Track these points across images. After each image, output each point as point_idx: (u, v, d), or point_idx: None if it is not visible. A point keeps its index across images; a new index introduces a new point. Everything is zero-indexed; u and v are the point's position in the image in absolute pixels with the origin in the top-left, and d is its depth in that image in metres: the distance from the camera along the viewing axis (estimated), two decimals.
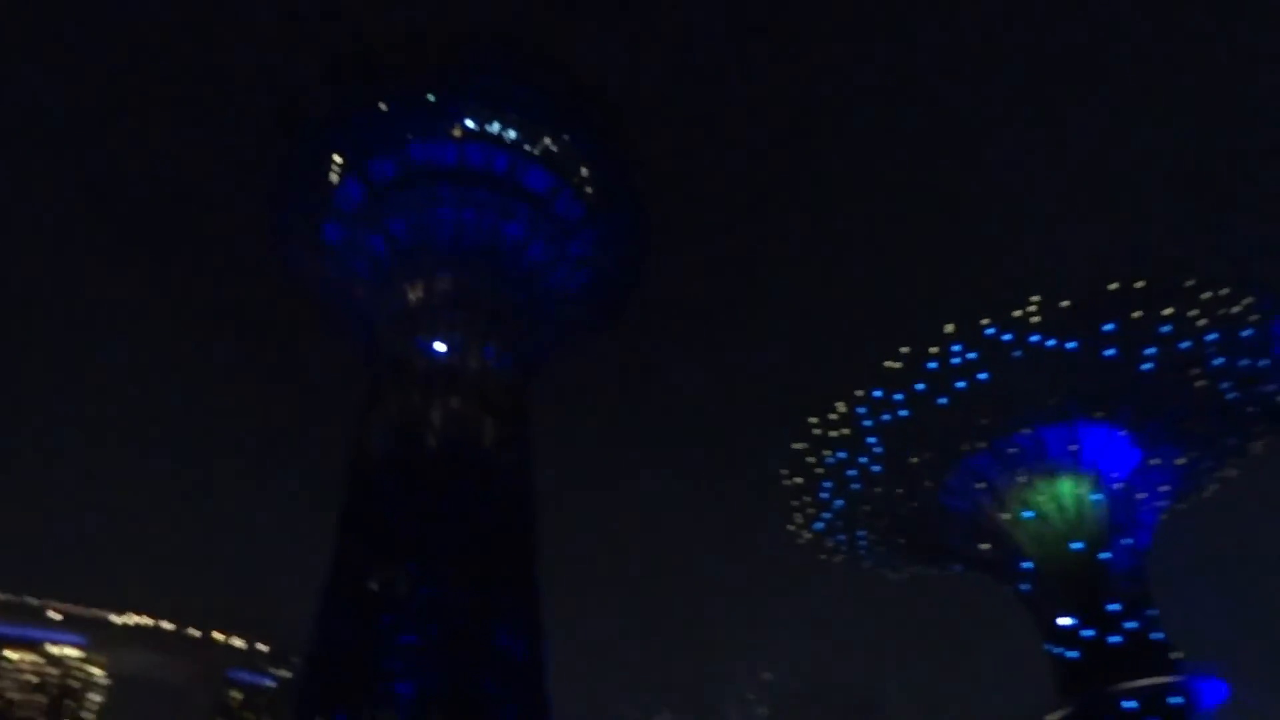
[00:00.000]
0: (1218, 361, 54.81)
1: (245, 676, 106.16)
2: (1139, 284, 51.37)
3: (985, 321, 53.63)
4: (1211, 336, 53.57)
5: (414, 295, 44.49)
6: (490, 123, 46.11)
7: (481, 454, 39.08)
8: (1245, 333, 53.34)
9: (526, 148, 46.62)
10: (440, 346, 41.18)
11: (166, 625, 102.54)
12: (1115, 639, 55.71)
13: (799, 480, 64.07)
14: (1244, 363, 54.55)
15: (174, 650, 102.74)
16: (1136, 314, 52.35)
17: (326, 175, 46.09)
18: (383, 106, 45.49)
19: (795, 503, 66.31)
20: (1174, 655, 55.72)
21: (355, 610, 35.01)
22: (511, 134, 46.22)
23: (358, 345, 49.24)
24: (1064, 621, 57.82)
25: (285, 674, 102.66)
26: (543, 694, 36.55)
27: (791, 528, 68.74)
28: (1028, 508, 59.15)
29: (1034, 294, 52.75)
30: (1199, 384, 55.68)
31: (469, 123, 45.79)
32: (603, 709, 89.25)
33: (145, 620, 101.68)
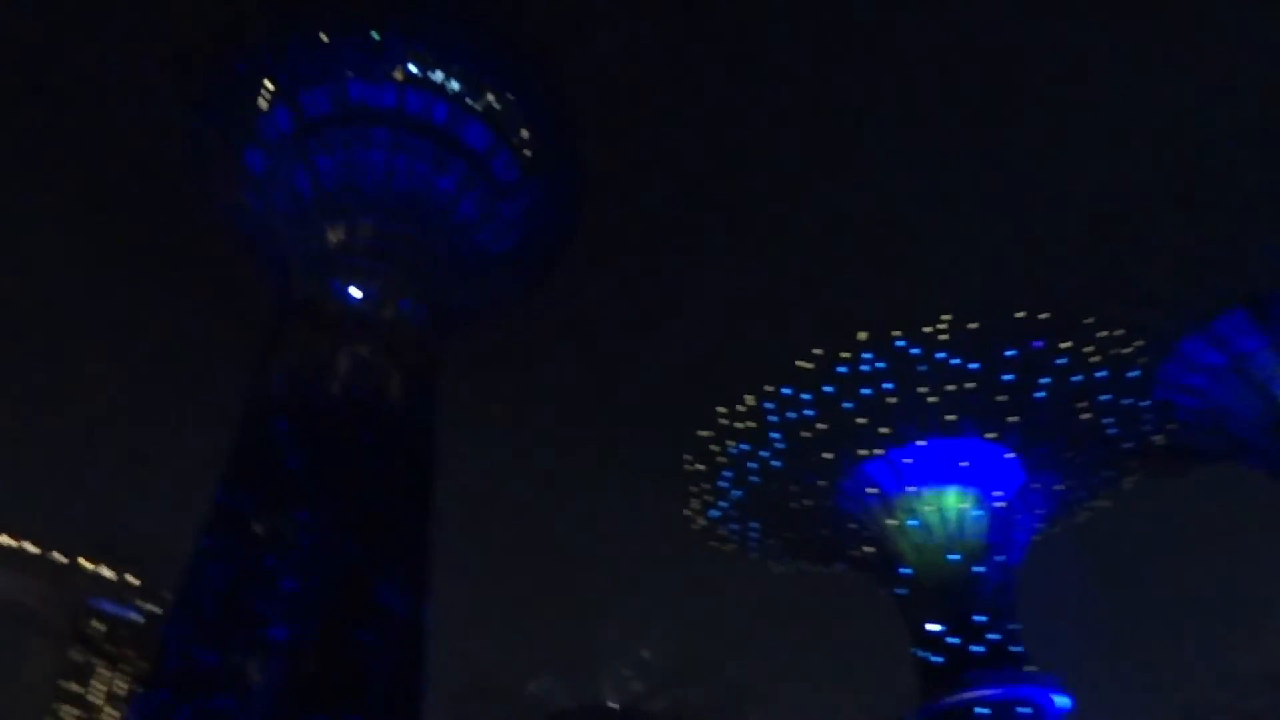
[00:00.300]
0: (1104, 398, 57.83)
1: (111, 608, 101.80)
2: (1043, 316, 53.63)
3: (897, 334, 55.26)
4: (1101, 374, 56.42)
5: (334, 238, 43.19)
6: (435, 70, 44.96)
7: (386, 408, 38.32)
8: (1132, 374, 56.32)
9: (469, 101, 45.64)
10: (355, 293, 40.09)
11: (30, 547, 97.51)
12: (978, 648, 58.55)
13: (700, 467, 65.06)
14: (1127, 402, 57.63)
15: (36, 573, 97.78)
16: (1037, 344, 54.73)
17: (255, 99, 44.27)
18: (323, 37, 43.88)
19: (694, 488, 67.34)
20: (1028, 668, 58.97)
21: (235, 551, 34.03)
22: (455, 85, 45.16)
23: (269, 282, 47.63)
24: (933, 627, 60.47)
25: (155, 610, 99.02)
26: (420, 652, 36.28)
27: (688, 512, 69.84)
28: (913, 517, 61.54)
29: (945, 314, 54.56)
30: (1084, 417, 58.74)
31: (412, 67, 44.54)
32: (482, 672, 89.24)
33: (7, 540, 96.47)
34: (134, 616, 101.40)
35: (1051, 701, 58.37)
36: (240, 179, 45.99)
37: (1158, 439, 60.08)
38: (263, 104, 44.17)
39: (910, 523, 61.69)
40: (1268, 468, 54.15)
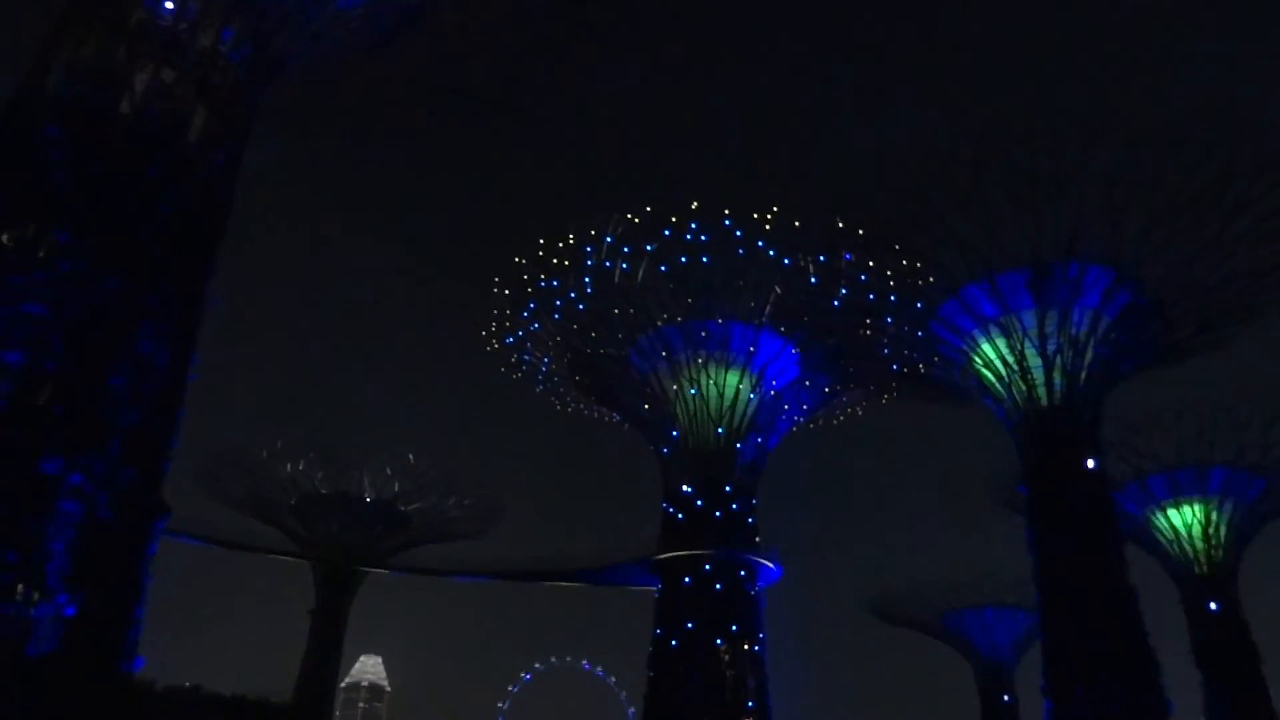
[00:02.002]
0: (888, 320, 62.57)
1: None
2: (860, 232, 56.42)
3: (727, 211, 56.42)
4: (893, 299, 60.71)
5: None
6: None
7: (183, 145, 34.61)
8: (918, 305, 61.00)
9: None
10: (169, 4, 35.17)
11: None
12: (718, 514, 63.98)
13: (507, 292, 64.84)
14: (906, 329, 62.65)
15: None
16: (846, 256, 57.80)
17: None
18: None
19: (496, 312, 67.26)
20: (756, 539, 65.39)
21: None
22: None
23: None
24: (686, 489, 65.23)
25: None
26: (175, 408, 34.50)
27: (484, 333, 69.95)
28: (694, 386, 65.01)
29: (775, 205, 56.14)
30: (866, 333, 63.51)
31: None
32: (240, 443, 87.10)
33: None
34: None
35: (767, 569, 65.37)
36: None
37: (922, 368, 66.15)
38: None
39: (691, 391, 65.11)
40: (1003, 415, 61.21)
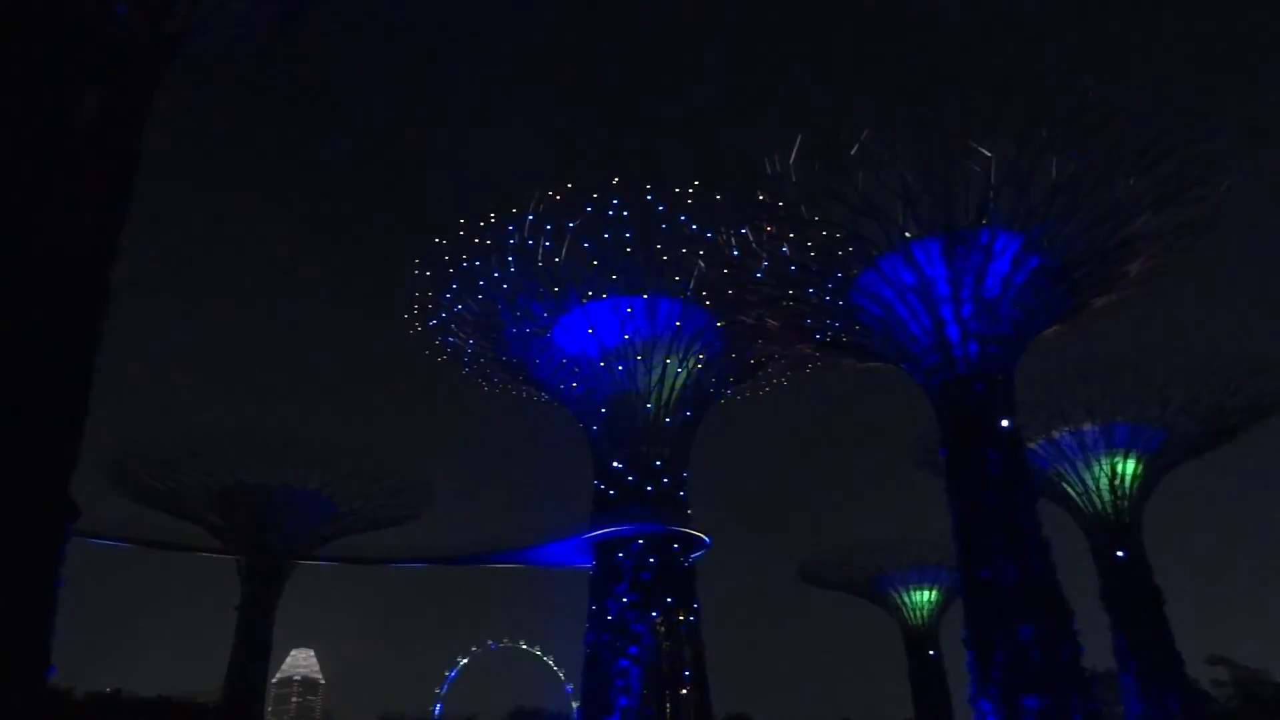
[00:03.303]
0: (809, 291, 63.58)
1: None
2: (780, 204, 57.00)
3: (648, 187, 56.36)
4: (813, 270, 61.67)
5: None
6: None
7: (75, 119, 32.81)
8: (838, 275, 62.15)
9: None
10: None
11: None
12: (649, 489, 64.46)
13: (428, 274, 63.71)
14: (827, 300, 63.76)
15: None
16: (769, 228, 58.37)
17: None
18: None
19: (418, 294, 66.07)
20: (688, 512, 66.15)
21: None
22: None
23: None
24: (616, 465, 65.48)
25: None
26: (80, 401, 32.94)
27: (407, 316, 68.70)
28: (621, 363, 65.09)
29: (696, 180, 56.28)
30: (789, 304, 64.43)
31: None
32: (154, 435, 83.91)
33: None
34: None
35: (700, 540, 66.22)
36: None
37: (844, 337, 67.51)
38: None
39: (617, 368, 65.20)
40: (922, 380, 62.93)
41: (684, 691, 59.14)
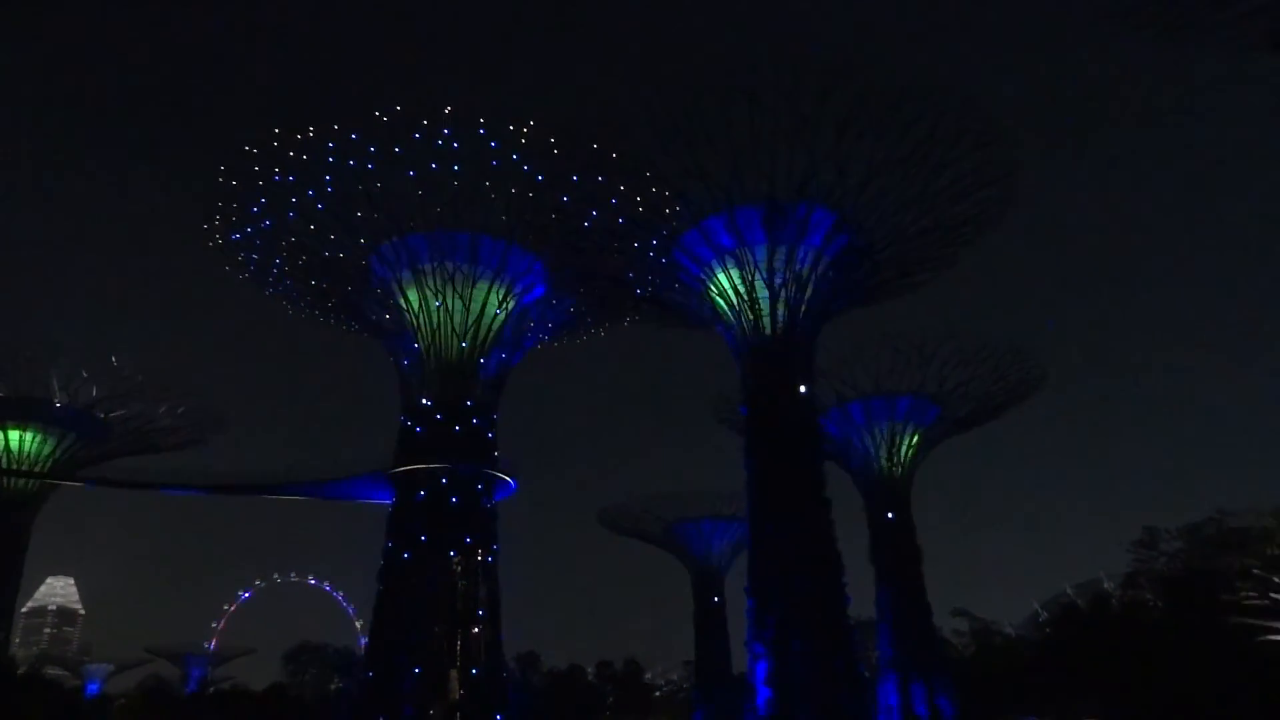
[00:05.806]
0: (634, 245, 64.45)
1: None
2: (614, 155, 57.08)
3: (482, 120, 54.67)
4: (641, 224, 62.50)
5: None
6: None
7: None
8: (663, 232, 63.35)
9: None
10: None
11: None
12: (458, 429, 63.53)
13: (235, 183, 58.99)
14: (650, 255, 64.94)
15: None
16: (601, 179, 58.36)
17: None
18: None
19: (221, 204, 61.10)
20: (495, 454, 65.82)
21: None
22: None
23: None
24: (425, 402, 63.97)
25: None
26: None
27: (207, 226, 63.44)
28: (439, 298, 63.37)
29: (531, 120, 55.07)
30: (614, 256, 65.06)
31: None
32: None
33: None
34: None
35: (505, 483, 66.27)
36: None
37: (663, 294, 69.09)
38: None
39: (435, 303, 63.46)
40: (731, 341, 65.62)
41: (476, 630, 59.48)
